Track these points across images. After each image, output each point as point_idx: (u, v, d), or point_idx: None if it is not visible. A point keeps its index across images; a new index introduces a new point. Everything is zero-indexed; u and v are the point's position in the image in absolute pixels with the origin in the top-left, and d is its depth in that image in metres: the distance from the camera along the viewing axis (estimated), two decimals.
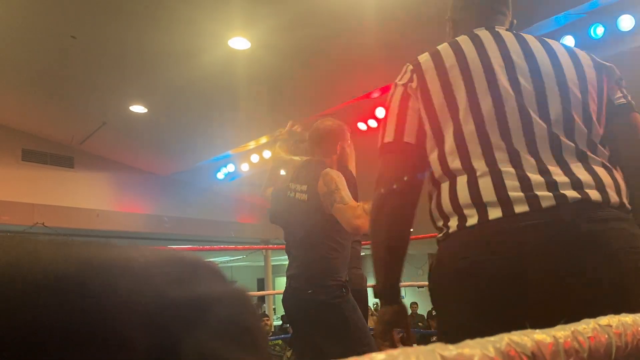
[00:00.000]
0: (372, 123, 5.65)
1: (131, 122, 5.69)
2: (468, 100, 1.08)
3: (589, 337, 0.44)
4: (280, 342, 6.97)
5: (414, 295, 12.70)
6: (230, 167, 7.28)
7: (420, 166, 1.15)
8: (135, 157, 6.98)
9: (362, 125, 5.72)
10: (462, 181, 1.06)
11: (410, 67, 1.17)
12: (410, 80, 1.15)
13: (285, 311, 2.25)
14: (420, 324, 9.85)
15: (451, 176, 1.08)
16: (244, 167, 7.07)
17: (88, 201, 6.39)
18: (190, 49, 4.19)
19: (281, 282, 14.64)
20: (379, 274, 1.20)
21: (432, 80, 1.12)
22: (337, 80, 4.83)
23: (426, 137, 1.13)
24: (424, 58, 1.17)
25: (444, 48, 1.17)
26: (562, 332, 0.43)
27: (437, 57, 1.15)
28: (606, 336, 0.46)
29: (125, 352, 0.21)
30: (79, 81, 4.85)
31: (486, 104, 1.07)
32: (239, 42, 4.10)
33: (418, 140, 1.13)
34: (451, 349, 0.32)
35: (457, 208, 1.05)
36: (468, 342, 0.34)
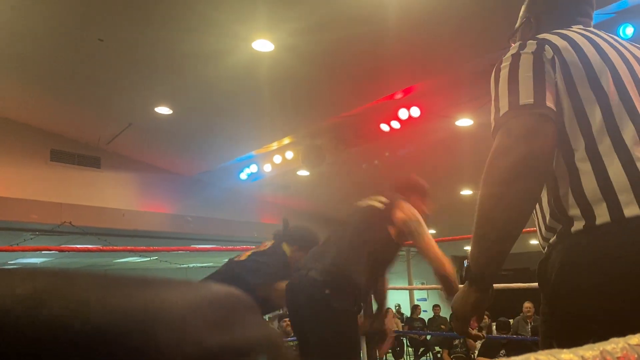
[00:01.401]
0: (395, 124, 5.63)
1: (156, 123, 5.76)
2: (613, 81, 0.98)
3: (617, 358, 0.43)
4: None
5: (437, 298, 12.59)
6: (253, 168, 7.32)
7: (556, 139, 0.98)
8: (160, 158, 7.07)
9: (384, 127, 5.70)
10: (614, 162, 0.93)
11: (533, 41, 1.05)
12: (541, 50, 1.02)
13: None
14: (442, 326, 9.75)
15: (597, 158, 0.95)
16: (267, 167, 7.10)
17: (114, 201, 6.50)
18: (214, 51, 4.22)
19: None
20: (483, 256, 1.03)
21: (567, 53, 1.01)
22: (359, 82, 4.82)
23: (562, 111, 0.99)
24: (551, 36, 1.05)
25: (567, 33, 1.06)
26: (590, 352, 0.42)
27: (566, 38, 1.04)
28: (636, 356, 0.44)
29: None
30: (106, 83, 4.94)
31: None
32: (263, 45, 4.12)
33: (557, 110, 0.98)
34: None
35: (610, 194, 0.91)
36: None
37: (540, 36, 1.07)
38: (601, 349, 0.42)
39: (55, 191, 6.01)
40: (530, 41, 1.05)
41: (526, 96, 0.97)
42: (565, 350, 0.39)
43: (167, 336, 0.22)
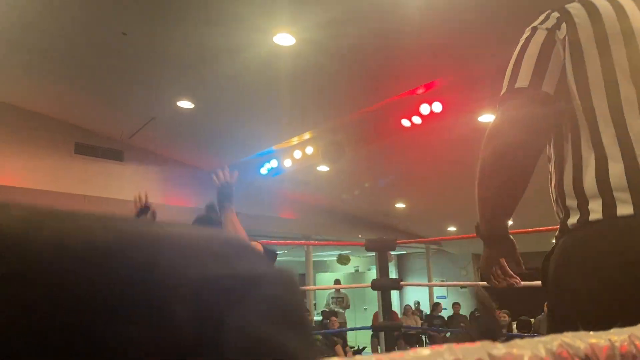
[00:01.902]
0: (416, 120, 5.59)
1: (178, 117, 5.82)
2: (629, 63, 0.94)
3: None
4: (319, 337, 7.01)
5: (457, 295, 12.50)
6: (274, 163, 7.35)
7: (551, 124, 1.00)
8: (181, 152, 7.15)
9: (406, 122, 5.66)
10: (615, 156, 0.91)
11: (557, 14, 1.02)
12: (557, 27, 1.00)
13: None
14: (462, 324, 9.68)
15: (600, 149, 0.93)
16: (287, 162, 7.12)
17: (136, 193, 6.59)
18: (236, 45, 4.24)
19: (322, 278, 14.70)
20: (484, 220, 1.10)
21: (584, 32, 0.97)
22: (381, 76, 4.79)
23: (568, 95, 0.98)
24: (575, 6, 1.01)
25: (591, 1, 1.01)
26: (618, 336, 0.41)
27: (590, 8, 0.99)
28: None
29: (167, 326, 0.21)
30: (129, 77, 5.00)
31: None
32: (284, 39, 4.13)
33: (556, 95, 0.98)
34: (500, 348, 0.30)
35: (606, 190, 0.90)
36: (517, 341, 0.32)
37: (567, 6, 1.03)
38: (630, 332, 0.41)
39: (79, 183, 6.12)
40: (554, 13, 1.03)
41: (523, 79, 0.98)
42: (592, 333, 0.39)
43: (171, 259, 0.23)
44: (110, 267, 0.21)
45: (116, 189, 6.46)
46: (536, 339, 0.34)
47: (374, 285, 5.68)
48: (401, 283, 5.68)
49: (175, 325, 0.21)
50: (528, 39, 1.02)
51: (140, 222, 0.24)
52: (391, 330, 5.55)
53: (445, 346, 0.30)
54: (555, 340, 0.34)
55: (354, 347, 8.67)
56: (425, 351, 0.28)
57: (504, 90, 1.01)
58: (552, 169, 1.04)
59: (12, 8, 3.89)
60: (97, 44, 4.42)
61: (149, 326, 0.21)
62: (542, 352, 0.32)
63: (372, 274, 12.21)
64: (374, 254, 5.63)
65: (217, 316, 0.23)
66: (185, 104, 5.51)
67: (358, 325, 13.54)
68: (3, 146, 5.75)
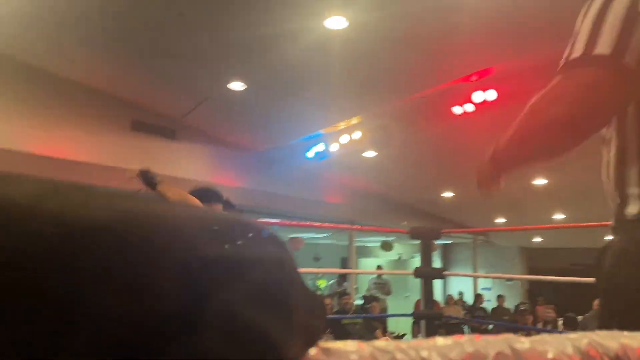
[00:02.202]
0: (469, 107, 5.46)
1: (230, 98, 5.91)
2: None
3: None
4: (360, 321, 7.05)
5: (502, 288, 12.26)
6: (320, 147, 7.37)
7: (626, 101, 0.90)
8: (231, 133, 7.27)
9: (457, 109, 5.54)
10: None
11: None
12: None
13: None
14: (505, 317, 9.50)
15: None
16: (334, 147, 7.13)
17: (187, 172, 6.77)
18: (289, 29, 4.25)
19: (365, 263, 14.71)
20: (505, 153, 1.07)
21: None
22: (434, 62, 4.70)
23: None
24: None
25: None
26: None
27: None
28: None
29: (153, 300, 0.22)
30: (184, 58, 5.09)
31: None
32: (336, 22, 4.10)
33: (638, 69, 0.85)
34: (524, 342, 0.30)
35: None
36: (545, 336, 0.32)
37: None
38: None
39: (135, 160, 6.33)
40: None
41: (604, 46, 0.86)
42: (626, 333, 0.38)
43: (163, 237, 0.24)
44: (104, 241, 0.22)
45: (169, 166, 6.65)
46: (564, 335, 0.33)
47: (417, 273, 5.65)
48: (444, 272, 5.62)
49: (158, 299, 0.22)
50: (607, 3, 0.89)
51: (142, 199, 0.26)
52: (432, 319, 5.52)
53: (466, 337, 0.30)
54: (585, 338, 0.33)
55: (394, 333, 8.68)
56: (445, 340, 0.29)
57: (577, 54, 0.89)
58: (611, 152, 0.96)
59: None
60: (154, 23, 4.52)
61: (132, 300, 0.22)
62: (570, 350, 0.32)
63: (416, 262, 12.09)
64: (418, 242, 5.59)
65: (202, 297, 0.24)
66: (237, 86, 5.59)
67: (399, 312, 13.52)
68: (65, 121, 6.02)
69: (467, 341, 0.30)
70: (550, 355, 0.32)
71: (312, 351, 0.26)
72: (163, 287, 0.23)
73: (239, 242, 0.27)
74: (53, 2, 4.34)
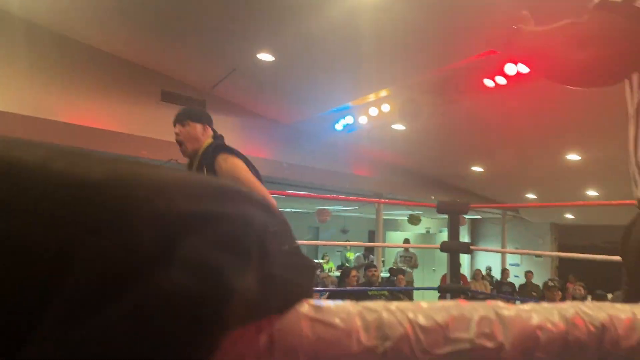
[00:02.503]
0: (500, 80, 5.34)
1: (259, 69, 5.92)
2: None
3: None
4: (386, 292, 7.11)
5: (531, 264, 12.15)
6: (349, 119, 7.34)
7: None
8: (260, 104, 7.31)
9: (489, 82, 5.43)
10: None
11: None
12: None
13: None
14: (534, 293, 9.44)
15: None
16: (362, 119, 7.09)
17: None
18: None
19: (392, 236, 14.67)
20: None
21: None
22: (466, 32, 4.58)
23: None
24: None
25: None
26: None
27: None
28: None
29: (134, 243, 0.28)
30: (213, 27, 5.10)
31: None
32: None
33: None
34: (510, 309, 0.32)
35: None
36: (534, 305, 0.34)
37: None
38: None
39: (164, 130, 6.42)
40: None
41: None
42: (618, 305, 0.39)
43: (143, 195, 0.30)
44: (99, 196, 0.28)
45: None
46: (554, 304, 0.35)
47: (443, 247, 5.65)
48: (471, 247, 5.61)
49: (139, 242, 0.28)
50: None
51: (133, 163, 0.32)
52: (457, 293, 5.54)
53: (452, 301, 0.32)
54: (573, 308, 0.35)
55: None
56: (432, 303, 0.31)
57: None
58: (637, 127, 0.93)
59: None
60: None
61: (119, 241, 0.28)
62: (556, 318, 0.33)
63: (443, 236, 12.07)
64: (446, 216, 5.57)
65: (175, 240, 0.29)
66: (265, 57, 5.58)
67: (426, 286, 13.57)
68: (96, 91, 6.14)
69: (454, 305, 0.32)
70: (534, 322, 0.33)
71: (304, 307, 0.29)
72: (143, 233, 0.28)
73: (217, 201, 0.31)
74: None
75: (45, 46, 5.64)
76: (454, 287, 5.50)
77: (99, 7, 5.09)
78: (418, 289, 8.92)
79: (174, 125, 2.43)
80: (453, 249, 5.62)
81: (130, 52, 6.19)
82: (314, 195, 7.27)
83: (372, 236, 15.55)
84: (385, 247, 11.49)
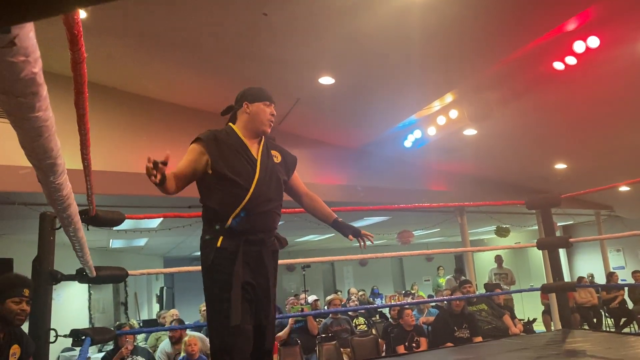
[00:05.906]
0: (571, 60, 5.10)
1: (321, 94, 5.96)
2: None
3: None
4: (485, 307, 6.75)
5: (637, 264, 11.18)
6: (417, 133, 7.23)
7: None
8: (325, 131, 7.35)
9: (558, 65, 5.20)
10: None
11: None
12: None
13: None
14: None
15: None
16: (431, 131, 6.95)
17: None
18: (364, 4, 4.22)
19: (480, 257, 13.96)
20: None
21: None
22: (524, 15, 4.44)
23: None
24: None
25: None
26: None
27: None
28: None
29: None
30: (272, 59, 5.17)
31: None
32: None
33: None
34: None
35: None
36: None
37: None
38: None
39: None
40: None
41: None
42: None
43: None
44: None
45: None
46: None
47: (540, 244, 5.31)
48: (570, 240, 5.24)
49: None
50: None
51: None
52: (563, 290, 5.14)
53: None
54: None
55: (522, 320, 8.19)
56: None
57: None
58: None
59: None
60: (238, 26, 4.62)
61: None
62: None
63: (535, 252, 11.37)
64: (535, 227, 5.27)
65: None
66: (326, 80, 5.63)
67: (524, 304, 12.77)
68: (158, 140, 6.47)
69: None
70: None
71: None
72: None
73: None
74: (143, 27, 4.69)
75: (114, 105, 6.09)
76: (558, 285, 5.12)
77: (164, 65, 5.42)
78: (519, 291, 8.44)
79: None
80: (550, 244, 5.26)
81: (201, 102, 6.49)
82: (388, 207, 7.11)
83: (458, 261, 14.97)
84: (474, 251, 10.97)
